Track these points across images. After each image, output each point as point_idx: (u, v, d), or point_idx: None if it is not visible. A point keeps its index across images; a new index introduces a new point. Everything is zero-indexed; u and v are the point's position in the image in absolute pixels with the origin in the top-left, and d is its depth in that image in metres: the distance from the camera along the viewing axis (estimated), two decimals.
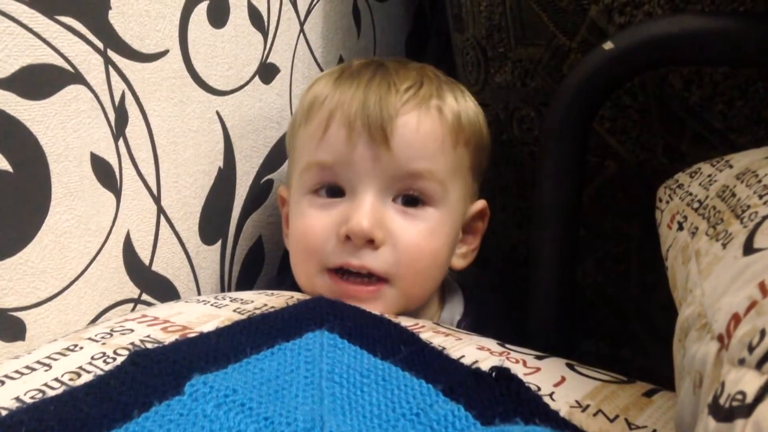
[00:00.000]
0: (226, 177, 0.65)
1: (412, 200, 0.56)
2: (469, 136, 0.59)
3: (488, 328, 0.54)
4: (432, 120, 0.56)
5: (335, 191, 0.57)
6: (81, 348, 0.41)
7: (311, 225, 0.57)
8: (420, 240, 0.55)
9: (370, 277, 0.55)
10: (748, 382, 0.24)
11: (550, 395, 0.39)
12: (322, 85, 0.58)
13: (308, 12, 0.74)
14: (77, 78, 0.49)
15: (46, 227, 0.48)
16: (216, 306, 0.48)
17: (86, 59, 0.50)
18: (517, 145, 0.69)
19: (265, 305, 0.48)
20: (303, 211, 0.58)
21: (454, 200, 0.58)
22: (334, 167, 0.56)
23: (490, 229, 0.74)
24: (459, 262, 0.62)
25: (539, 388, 0.39)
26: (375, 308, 0.50)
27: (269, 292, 0.53)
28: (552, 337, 0.58)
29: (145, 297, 0.58)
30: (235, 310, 0.47)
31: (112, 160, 0.53)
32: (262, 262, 0.72)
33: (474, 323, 0.62)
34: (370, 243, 0.54)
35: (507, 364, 0.42)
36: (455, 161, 0.57)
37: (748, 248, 0.32)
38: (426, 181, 0.56)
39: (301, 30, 0.73)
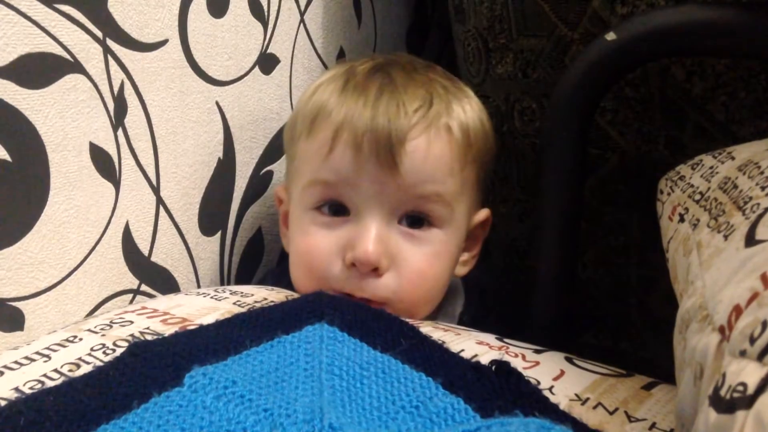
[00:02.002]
0: (225, 168, 0.65)
1: (417, 221, 0.55)
2: (476, 150, 0.58)
3: (489, 317, 0.54)
4: (441, 142, 0.55)
5: (339, 209, 0.55)
6: (80, 339, 0.41)
7: (315, 245, 0.56)
8: (424, 265, 0.55)
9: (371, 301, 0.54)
10: (750, 374, 0.24)
11: (550, 389, 0.39)
12: (327, 95, 0.56)
13: (308, 2, 0.73)
14: (76, 67, 0.49)
15: (44, 217, 0.48)
16: (216, 299, 0.48)
17: (85, 48, 0.49)
18: (518, 137, 0.69)
19: (265, 298, 0.48)
20: (306, 228, 0.57)
21: (461, 218, 0.57)
22: (339, 187, 0.55)
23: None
24: (461, 270, 0.62)
25: (538, 382, 0.39)
26: None
27: (269, 287, 0.53)
28: (552, 329, 0.58)
29: (144, 288, 0.58)
30: (235, 303, 0.47)
31: (111, 150, 0.53)
32: (261, 254, 0.72)
33: (475, 313, 0.62)
34: (375, 270, 0.53)
35: (506, 358, 0.42)
36: (463, 179, 0.57)
37: (750, 240, 0.32)
38: (434, 204, 0.55)
39: (302, 20, 0.73)
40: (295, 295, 0.48)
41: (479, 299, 0.64)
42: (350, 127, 0.54)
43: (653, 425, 0.36)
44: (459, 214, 0.57)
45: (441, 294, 0.59)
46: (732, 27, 0.49)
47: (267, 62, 0.68)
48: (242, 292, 0.49)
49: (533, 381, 0.39)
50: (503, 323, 0.52)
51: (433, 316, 0.60)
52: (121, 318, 0.44)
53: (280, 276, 0.63)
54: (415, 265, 0.54)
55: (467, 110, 0.58)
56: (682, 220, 0.42)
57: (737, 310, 0.27)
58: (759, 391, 0.23)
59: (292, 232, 0.59)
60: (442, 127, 0.55)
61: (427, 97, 0.56)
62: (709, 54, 0.54)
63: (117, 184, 0.54)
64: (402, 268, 0.54)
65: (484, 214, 0.61)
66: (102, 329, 0.42)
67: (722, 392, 0.25)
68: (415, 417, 0.32)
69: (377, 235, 0.53)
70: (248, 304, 0.46)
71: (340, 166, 0.54)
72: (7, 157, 0.45)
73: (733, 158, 0.43)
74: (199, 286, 0.64)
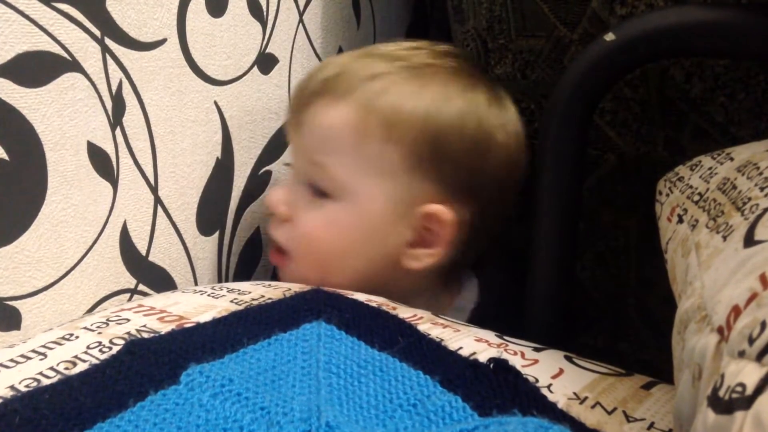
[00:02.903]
0: (224, 168, 0.65)
1: (322, 192, 0.58)
2: (403, 133, 0.56)
3: (501, 313, 0.55)
4: (340, 113, 0.56)
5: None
6: (77, 337, 0.40)
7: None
8: (313, 228, 0.58)
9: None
10: (748, 374, 0.24)
11: (548, 387, 0.38)
12: None
13: (307, 2, 0.73)
14: (74, 66, 0.49)
15: (42, 216, 0.48)
16: (213, 296, 0.48)
17: (83, 47, 0.49)
18: None
19: (263, 296, 0.48)
20: None
21: (365, 197, 0.57)
22: (288, 134, 0.62)
23: (499, 267, 0.74)
24: (412, 263, 0.59)
25: (537, 380, 0.39)
26: (282, 275, 0.61)
27: (266, 283, 0.53)
28: (550, 330, 0.58)
29: (141, 287, 0.57)
30: (232, 301, 0.47)
31: (109, 150, 0.53)
32: (259, 254, 0.72)
33: (488, 310, 0.62)
34: (279, 217, 0.60)
35: (505, 355, 0.42)
36: (372, 158, 0.56)
37: (749, 240, 0.32)
38: (322, 173, 0.57)
39: (301, 20, 0.72)
40: (293, 292, 0.48)
41: (492, 299, 0.64)
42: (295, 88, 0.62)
43: (652, 425, 0.36)
44: (359, 192, 0.57)
45: (353, 268, 0.59)
46: (731, 28, 0.49)
47: (266, 62, 0.68)
48: (239, 290, 0.49)
49: (532, 379, 0.39)
50: (511, 324, 0.52)
51: (443, 309, 0.60)
52: (117, 316, 0.44)
53: None
54: (307, 224, 0.59)
55: (405, 95, 0.56)
56: (680, 220, 0.42)
57: (736, 311, 0.27)
58: (758, 391, 0.23)
59: None
60: (348, 100, 0.57)
61: (347, 68, 0.58)
62: (708, 55, 0.55)
63: (115, 184, 0.53)
64: (295, 225, 0.59)
65: (434, 208, 0.57)
66: (98, 327, 0.42)
67: (721, 393, 0.24)
68: (412, 415, 0.32)
69: (284, 189, 0.61)
70: (245, 302, 0.46)
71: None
72: (5, 156, 0.45)
73: (732, 159, 0.43)
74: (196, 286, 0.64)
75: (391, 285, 0.58)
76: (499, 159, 0.59)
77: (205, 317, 0.43)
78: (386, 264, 0.59)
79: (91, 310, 0.53)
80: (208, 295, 0.48)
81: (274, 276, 0.69)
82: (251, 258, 0.71)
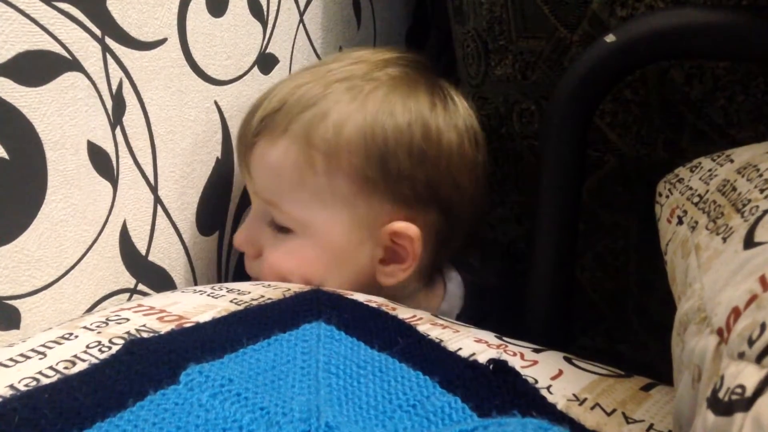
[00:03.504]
0: (223, 167, 0.65)
1: (278, 226, 0.59)
2: (347, 160, 0.55)
3: (487, 321, 0.54)
4: (280, 150, 0.56)
5: None
6: (76, 336, 0.40)
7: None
8: (281, 261, 0.59)
9: None
10: (748, 376, 0.24)
11: (548, 388, 0.38)
12: None
13: (308, 2, 0.73)
14: (74, 65, 0.49)
15: (42, 215, 0.48)
16: (213, 296, 0.48)
17: (84, 46, 0.49)
18: (517, 139, 0.69)
19: (262, 296, 0.48)
20: None
21: (323, 228, 0.57)
22: None
23: (489, 224, 0.74)
24: (386, 280, 0.59)
25: (536, 381, 0.39)
26: None
27: (266, 283, 0.53)
28: (550, 332, 0.58)
29: (141, 287, 0.57)
30: (231, 301, 0.47)
31: (109, 149, 0.53)
32: None
33: (473, 317, 0.62)
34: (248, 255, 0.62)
35: (504, 356, 0.42)
36: (322, 190, 0.56)
37: (749, 242, 0.32)
38: (278, 212, 0.58)
39: (301, 20, 0.72)
40: (292, 292, 0.48)
41: (478, 301, 0.64)
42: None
43: (651, 427, 0.36)
44: (316, 224, 0.57)
45: (324, 284, 0.59)
46: (731, 30, 0.49)
47: (266, 62, 0.68)
48: (239, 290, 0.49)
49: (531, 380, 0.39)
50: (502, 325, 0.52)
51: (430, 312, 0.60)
52: (117, 315, 0.44)
53: None
54: (272, 262, 0.59)
55: (348, 118, 0.55)
56: (680, 222, 0.42)
57: (736, 313, 0.27)
58: (757, 393, 0.23)
59: None
60: (284, 137, 0.56)
61: (283, 101, 0.57)
62: (708, 57, 0.54)
63: (115, 183, 0.53)
64: (264, 261, 0.60)
65: (398, 226, 0.57)
66: (98, 326, 0.42)
67: (720, 394, 0.24)
68: (412, 416, 0.32)
69: (247, 227, 0.61)
70: (245, 302, 0.46)
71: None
72: (5, 155, 0.45)
73: (731, 161, 0.43)
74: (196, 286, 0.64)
75: (375, 293, 0.58)
76: (454, 160, 0.58)
77: (205, 317, 0.43)
78: (364, 280, 0.59)
79: (90, 310, 0.53)
80: (208, 295, 0.48)
81: None
82: None
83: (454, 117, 0.59)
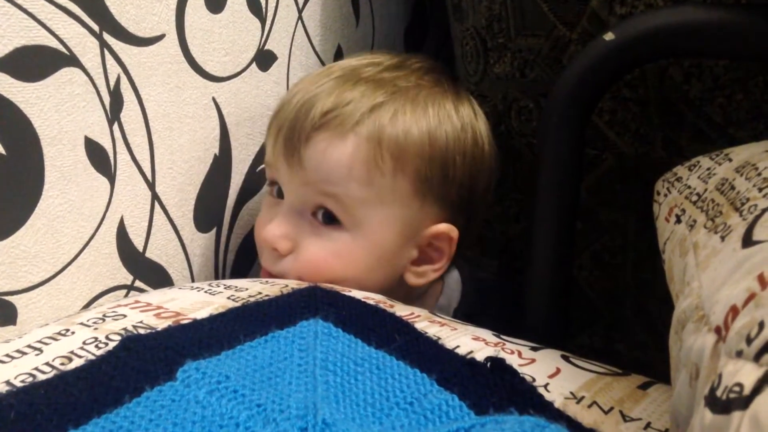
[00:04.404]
0: (221, 164, 0.65)
1: (330, 217, 0.57)
2: (412, 162, 0.56)
3: (484, 318, 0.54)
4: (347, 147, 0.56)
5: (280, 192, 0.60)
6: (72, 333, 0.40)
7: (258, 221, 0.62)
8: (318, 260, 0.57)
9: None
10: (746, 374, 0.24)
11: (545, 386, 0.38)
12: (298, 84, 0.61)
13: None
14: (72, 60, 0.49)
15: (39, 211, 0.48)
16: (210, 293, 0.48)
17: (81, 42, 0.49)
18: (515, 137, 0.69)
19: (260, 293, 0.48)
20: (263, 202, 0.63)
21: (377, 226, 0.57)
22: (272, 169, 0.60)
23: (487, 221, 0.74)
24: (416, 280, 0.60)
25: (534, 379, 0.39)
26: None
27: (263, 279, 0.53)
28: (547, 330, 0.58)
29: (138, 284, 0.57)
30: (229, 298, 0.47)
31: (107, 145, 0.52)
32: (256, 251, 0.72)
33: (471, 311, 0.62)
34: (278, 250, 0.58)
35: (502, 354, 0.42)
36: (384, 189, 0.56)
37: (747, 240, 0.32)
38: (334, 203, 0.57)
39: (300, 17, 0.72)
40: (290, 289, 0.48)
41: (476, 295, 0.64)
42: (278, 116, 0.59)
43: (648, 425, 0.36)
44: (372, 222, 0.57)
45: (360, 287, 0.58)
46: (730, 28, 0.49)
47: (264, 59, 0.68)
48: (236, 287, 0.49)
49: (529, 378, 0.39)
50: (500, 322, 0.52)
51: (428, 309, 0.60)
52: (114, 311, 0.44)
53: None
54: (311, 256, 0.57)
55: (415, 122, 0.56)
56: (678, 221, 0.42)
57: (734, 311, 0.27)
58: (755, 391, 0.23)
59: None
60: (352, 134, 0.56)
61: (347, 99, 0.56)
62: (707, 55, 0.54)
63: (112, 179, 0.53)
64: (300, 256, 0.58)
65: (441, 228, 0.58)
66: (95, 323, 0.42)
67: (718, 393, 0.24)
68: (409, 413, 0.32)
69: (283, 220, 0.58)
70: (242, 299, 0.46)
71: (269, 152, 0.60)
72: (2, 151, 0.45)
73: (730, 160, 0.43)
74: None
75: (390, 294, 0.58)
76: (486, 165, 0.61)
77: (202, 314, 0.43)
78: (393, 281, 0.60)
79: (87, 306, 0.53)
80: (205, 292, 0.48)
81: None
82: (248, 255, 0.70)
83: (486, 124, 0.62)
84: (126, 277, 0.56)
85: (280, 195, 0.60)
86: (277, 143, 0.58)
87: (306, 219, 0.58)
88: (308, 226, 0.58)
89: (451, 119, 0.58)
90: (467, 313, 0.62)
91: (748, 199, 0.36)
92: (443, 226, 0.58)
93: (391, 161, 0.56)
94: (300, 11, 0.72)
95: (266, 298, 0.46)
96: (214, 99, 0.63)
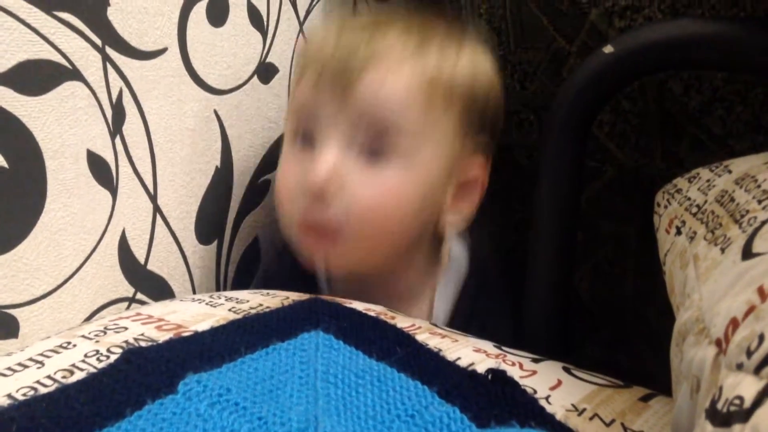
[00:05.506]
0: (223, 176, 0.65)
1: (376, 153, 0.55)
2: (460, 100, 0.57)
3: (491, 291, 0.55)
4: (404, 82, 0.55)
5: (307, 140, 0.57)
6: (74, 345, 0.40)
7: (283, 177, 0.59)
8: (375, 199, 0.55)
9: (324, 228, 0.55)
10: (746, 387, 0.24)
11: (546, 398, 0.38)
12: (322, 32, 0.59)
13: (308, 12, 0.73)
14: (75, 74, 0.49)
15: (41, 224, 0.48)
16: (211, 305, 0.48)
17: (84, 56, 0.49)
18: (516, 149, 0.69)
19: (261, 305, 0.48)
20: (282, 160, 0.60)
21: (428, 161, 0.56)
22: (304, 117, 0.57)
23: (487, 233, 0.74)
24: (453, 217, 0.61)
25: (535, 391, 0.39)
26: (330, 264, 0.57)
27: (265, 291, 0.53)
28: (549, 342, 0.58)
29: (139, 296, 0.57)
30: (230, 310, 0.47)
31: (109, 158, 0.53)
32: (257, 263, 0.72)
33: (478, 285, 0.62)
34: (325, 197, 0.54)
35: (503, 366, 0.42)
36: (434, 121, 0.56)
37: (747, 253, 0.32)
38: (390, 136, 0.55)
39: (301, 30, 0.73)
40: (291, 300, 0.48)
41: (482, 267, 0.64)
42: (318, 56, 0.56)
43: None
44: (427, 156, 0.56)
45: (401, 240, 0.59)
46: (729, 41, 0.49)
47: (266, 71, 0.68)
48: (238, 299, 0.49)
49: (530, 390, 0.38)
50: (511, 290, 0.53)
51: (434, 282, 0.61)
52: (115, 324, 0.44)
53: (275, 274, 0.65)
54: (363, 197, 0.55)
55: (450, 57, 0.57)
56: (678, 232, 0.42)
57: (734, 323, 0.27)
58: (756, 404, 0.23)
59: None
60: (407, 64, 0.56)
61: (402, 31, 0.57)
62: (707, 68, 0.55)
63: (114, 192, 0.54)
64: (353, 198, 0.54)
65: (478, 162, 0.60)
66: (96, 335, 0.42)
67: (719, 405, 0.24)
68: (410, 426, 0.32)
69: (328, 162, 0.54)
70: (243, 311, 0.46)
71: (305, 90, 0.57)
72: (4, 164, 0.45)
73: (730, 172, 0.43)
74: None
75: (405, 260, 0.60)
76: (503, 106, 0.62)
77: (203, 326, 0.43)
78: (428, 229, 0.60)
79: (89, 319, 0.53)
80: (206, 304, 0.48)
81: None
82: (249, 267, 0.71)
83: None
84: (128, 290, 0.56)
85: (305, 143, 0.57)
86: (321, 81, 0.55)
87: (351, 158, 0.55)
88: (356, 163, 0.55)
89: (487, 61, 0.60)
90: (478, 284, 0.62)
91: (747, 211, 0.36)
92: (479, 161, 0.60)
93: (443, 99, 0.56)
94: (301, 24, 0.73)
95: (267, 310, 0.46)
96: (215, 111, 0.63)
